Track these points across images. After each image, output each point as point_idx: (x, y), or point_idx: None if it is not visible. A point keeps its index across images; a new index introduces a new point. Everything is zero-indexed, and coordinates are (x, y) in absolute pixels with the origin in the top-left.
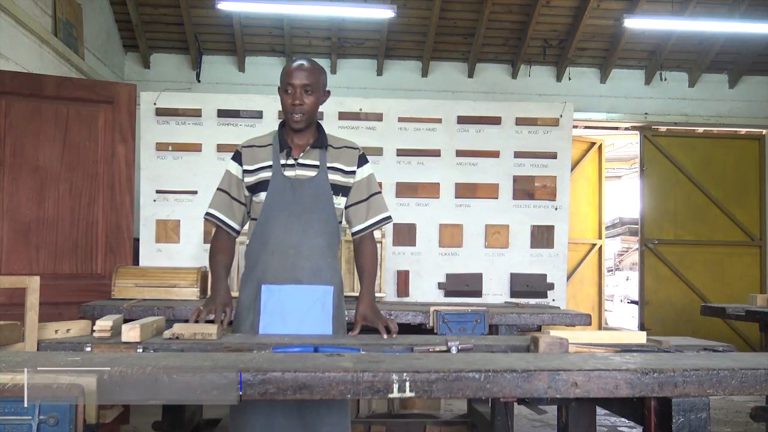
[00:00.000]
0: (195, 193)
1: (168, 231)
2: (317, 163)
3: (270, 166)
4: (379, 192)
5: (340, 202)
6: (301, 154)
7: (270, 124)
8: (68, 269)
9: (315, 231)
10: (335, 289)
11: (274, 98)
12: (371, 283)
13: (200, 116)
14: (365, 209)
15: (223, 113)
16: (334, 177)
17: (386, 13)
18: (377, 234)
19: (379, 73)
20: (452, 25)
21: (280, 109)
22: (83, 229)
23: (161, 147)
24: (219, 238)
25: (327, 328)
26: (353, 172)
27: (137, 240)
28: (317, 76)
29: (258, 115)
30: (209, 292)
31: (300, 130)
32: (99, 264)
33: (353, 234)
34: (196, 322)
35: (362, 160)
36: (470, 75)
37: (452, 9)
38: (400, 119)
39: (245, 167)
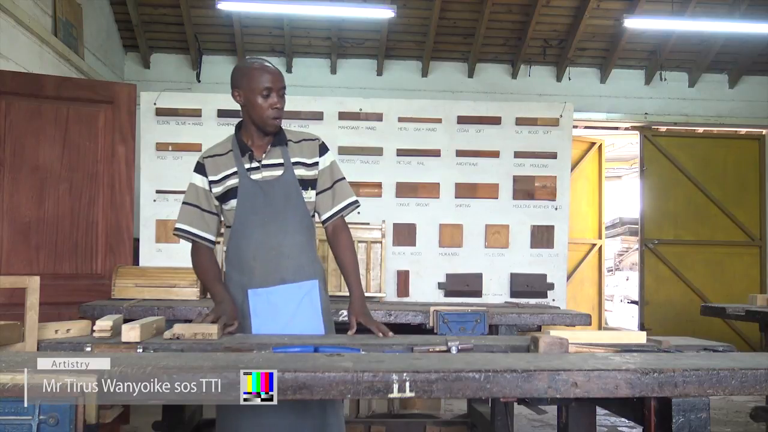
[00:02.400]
0: None
1: (168, 231)
2: (281, 161)
3: (236, 173)
4: (343, 178)
5: (310, 196)
6: (264, 155)
7: None
8: (68, 269)
9: (293, 229)
10: (320, 282)
11: None
12: (358, 282)
13: (200, 116)
14: (330, 196)
15: (223, 113)
16: (299, 172)
17: (386, 13)
18: (377, 234)
19: (379, 73)
20: (452, 25)
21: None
22: (83, 229)
23: (161, 147)
24: (199, 253)
25: (318, 322)
26: (316, 164)
27: (137, 240)
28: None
29: None
30: (212, 298)
31: (275, 133)
32: (99, 264)
33: (323, 222)
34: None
35: (323, 149)
36: (470, 75)
37: (452, 9)
38: (400, 119)
39: (210, 178)
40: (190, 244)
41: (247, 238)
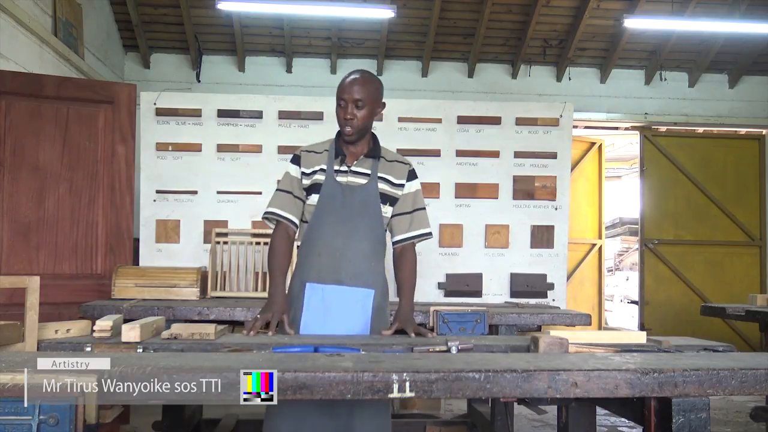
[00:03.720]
0: (195, 193)
1: (168, 231)
2: (369, 171)
3: (324, 170)
4: (424, 208)
5: (387, 210)
6: (355, 162)
7: (270, 124)
8: (68, 269)
9: (360, 236)
10: (376, 293)
11: (274, 98)
12: (410, 294)
13: (200, 116)
14: (408, 221)
15: (223, 113)
16: (382, 186)
17: (386, 13)
18: None
19: (379, 73)
20: (452, 25)
21: (282, 110)
22: (83, 229)
23: (161, 147)
24: (279, 237)
25: (365, 330)
26: (402, 185)
27: (137, 240)
28: (370, 90)
29: (258, 115)
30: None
31: (352, 142)
32: (99, 264)
33: (394, 243)
34: (251, 330)
35: (411, 176)
36: (470, 75)
37: (452, 9)
38: (400, 119)
39: (303, 169)
40: (189, 245)
41: (317, 234)
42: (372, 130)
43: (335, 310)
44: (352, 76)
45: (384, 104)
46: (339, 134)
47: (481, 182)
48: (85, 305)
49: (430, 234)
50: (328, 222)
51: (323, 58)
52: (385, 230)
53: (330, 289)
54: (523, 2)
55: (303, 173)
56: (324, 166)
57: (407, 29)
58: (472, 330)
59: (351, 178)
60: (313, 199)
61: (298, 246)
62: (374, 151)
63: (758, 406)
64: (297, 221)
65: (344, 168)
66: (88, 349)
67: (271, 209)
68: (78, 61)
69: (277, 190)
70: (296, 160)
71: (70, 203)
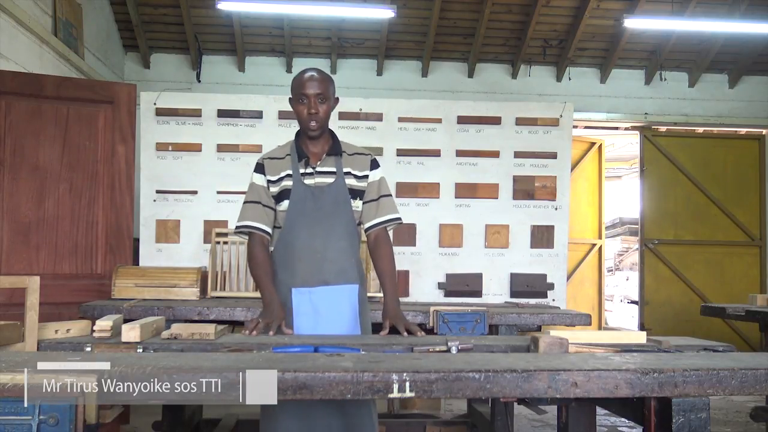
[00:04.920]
0: (195, 193)
1: (168, 231)
2: (334, 169)
3: (291, 175)
4: (390, 195)
5: (357, 205)
6: (319, 162)
7: (270, 124)
8: (68, 269)
9: (338, 234)
10: (360, 287)
11: (274, 98)
12: (393, 288)
13: (200, 116)
14: (375, 208)
15: (223, 113)
16: (349, 182)
17: (386, 13)
18: None
19: (379, 73)
20: (452, 25)
21: (281, 110)
22: (83, 229)
23: (161, 147)
24: (255, 245)
25: (356, 324)
26: (366, 177)
27: (137, 240)
28: (328, 85)
29: (258, 115)
30: (261, 297)
31: (316, 137)
32: (99, 264)
33: (366, 231)
34: (253, 330)
35: (374, 165)
36: (470, 75)
37: (452, 9)
38: (400, 119)
39: (269, 177)
40: (189, 245)
41: (293, 239)
42: (330, 128)
43: (325, 311)
44: (309, 73)
45: (338, 99)
46: (298, 136)
47: (481, 182)
48: (85, 305)
49: (399, 219)
50: (303, 225)
51: (323, 58)
52: (358, 224)
53: (317, 291)
54: (523, 2)
55: (269, 181)
56: (290, 171)
57: (407, 29)
58: (472, 330)
59: (318, 179)
60: (284, 204)
61: (272, 251)
62: (335, 148)
63: (758, 406)
64: (270, 230)
65: (309, 170)
66: (88, 349)
67: (242, 222)
68: (78, 61)
69: (244, 202)
70: (260, 169)
71: (70, 203)
